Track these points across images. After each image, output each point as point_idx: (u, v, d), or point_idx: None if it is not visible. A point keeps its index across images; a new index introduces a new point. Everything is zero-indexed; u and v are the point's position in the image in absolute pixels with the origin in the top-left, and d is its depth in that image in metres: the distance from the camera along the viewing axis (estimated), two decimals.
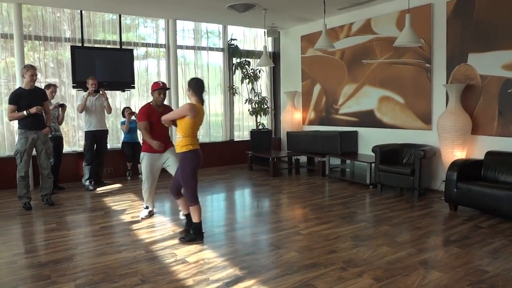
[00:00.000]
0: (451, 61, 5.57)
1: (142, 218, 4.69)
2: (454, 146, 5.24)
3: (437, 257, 3.45)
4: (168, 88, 4.57)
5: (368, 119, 6.89)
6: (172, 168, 4.52)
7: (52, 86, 6.01)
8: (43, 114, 5.17)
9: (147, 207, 4.77)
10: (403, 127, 6.29)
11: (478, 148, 5.29)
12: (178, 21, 7.80)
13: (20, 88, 5.16)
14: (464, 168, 4.80)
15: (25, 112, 4.95)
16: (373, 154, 6.00)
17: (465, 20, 5.37)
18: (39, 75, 5.73)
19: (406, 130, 6.24)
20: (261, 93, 8.68)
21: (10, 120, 5.35)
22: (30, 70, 5.03)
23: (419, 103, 6.03)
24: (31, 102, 4.99)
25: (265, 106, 8.56)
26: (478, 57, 5.26)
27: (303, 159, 7.96)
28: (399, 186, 5.74)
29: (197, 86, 3.83)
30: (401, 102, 6.31)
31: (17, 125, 5.15)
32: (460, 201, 4.73)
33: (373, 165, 6.03)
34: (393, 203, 5.29)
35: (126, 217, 4.72)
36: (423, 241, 3.86)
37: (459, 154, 5.25)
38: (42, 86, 5.89)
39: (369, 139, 6.82)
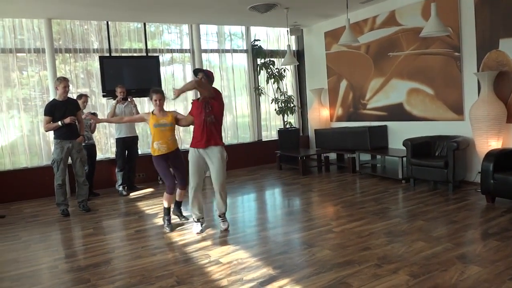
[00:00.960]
0: (481, 48, 5.39)
1: (197, 233, 4.22)
2: (489, 136, 5.07)
3: (476, 251, 3.35)
4: (209, 72, 4.30)
5: (397, 112, 6.76)
6: (210, 169, 4.22)
7: (83, 96, 6.21)
8: (77, 124, 5.35)
9: (197, 221, 4.30)
10: (434, 119, 6.13)
11: None
12: (201, 26, 7.89)
13: (54, 99, 5.35)
14: (500, 158, 4.63)
15: (59, 123, 5.13)
16: (404, 148, 5.88)
17: (494, 5, 5.18)
18: (71, 86, 5.91)
19: (437, 122, 6.08)
20: (287, 92, 8.66)
21: (46, 131, 5.55)
22: (63, 82, 5.21)
23: (450, 93, 5.86)
24: (65, 113, 5.17)
25: (292, 105, 8.53)
26: (511, 42, 5.06)
27: (332, 156, 7.89)
28: (432, 180, 5.60)
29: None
30: (430, 93, 6.15)
31: (53, 136, 5.35)
32: (498, 192, 4.57)
33: (404, 159, 5.91)
34: (427, 197, 5.17)
35: (159, 221, 4.79)
36: (460, 235, 3.75)
37: (494, 144, 5.07)
38: (74, 96, 6.09)
39: (399, 133, 6.68)
